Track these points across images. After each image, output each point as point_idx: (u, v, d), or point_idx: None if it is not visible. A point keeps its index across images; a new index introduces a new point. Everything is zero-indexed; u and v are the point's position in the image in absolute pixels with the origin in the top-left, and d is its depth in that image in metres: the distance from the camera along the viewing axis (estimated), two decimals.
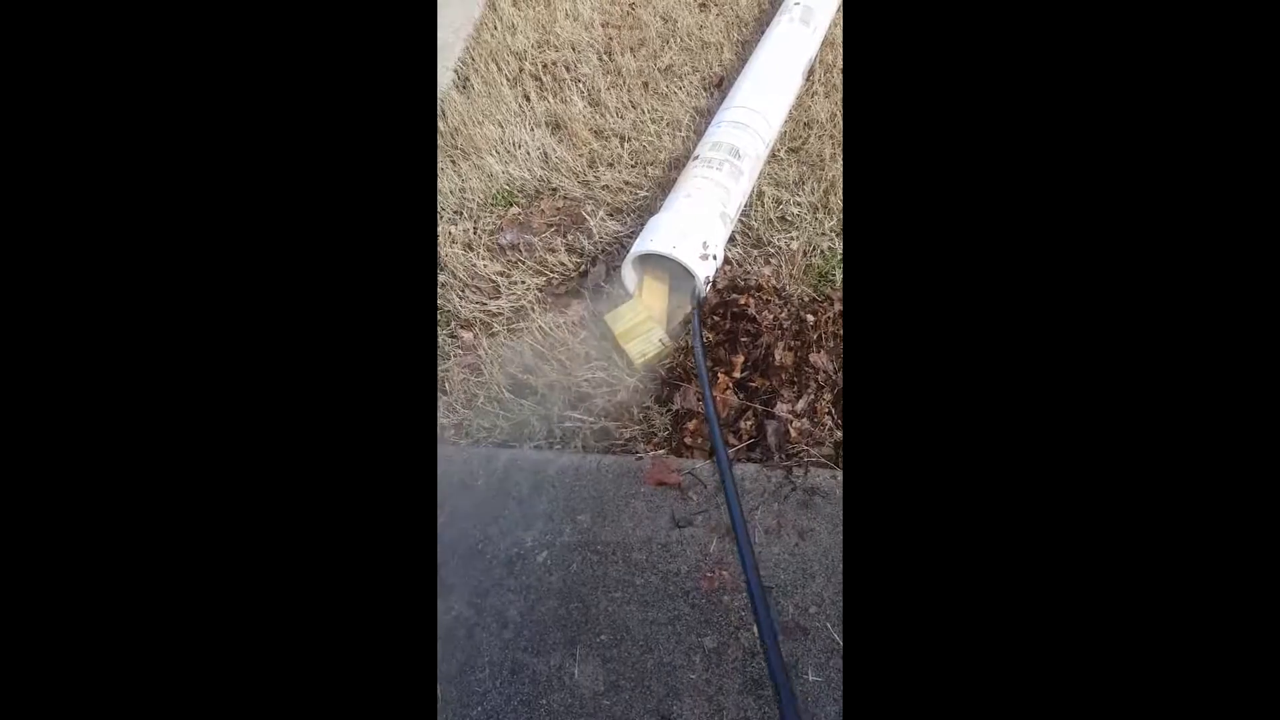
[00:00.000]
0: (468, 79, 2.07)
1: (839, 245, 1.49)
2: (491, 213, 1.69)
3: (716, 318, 1.36)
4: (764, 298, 1.36)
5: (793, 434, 1.17)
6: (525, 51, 2.12)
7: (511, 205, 1.71)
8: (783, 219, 1.56)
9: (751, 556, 0.90)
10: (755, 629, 0.72)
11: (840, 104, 1.80)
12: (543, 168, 1.77)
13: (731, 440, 1.20)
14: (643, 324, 1.32)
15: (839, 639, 0.96)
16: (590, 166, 1.76)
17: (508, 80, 2.02)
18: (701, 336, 1.28)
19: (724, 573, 1.04)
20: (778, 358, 1.25)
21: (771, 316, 1.32)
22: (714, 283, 1.40)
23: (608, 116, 1.87)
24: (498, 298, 1.50)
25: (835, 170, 1.62)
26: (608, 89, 1.94)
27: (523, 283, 1.52)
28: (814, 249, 1.49)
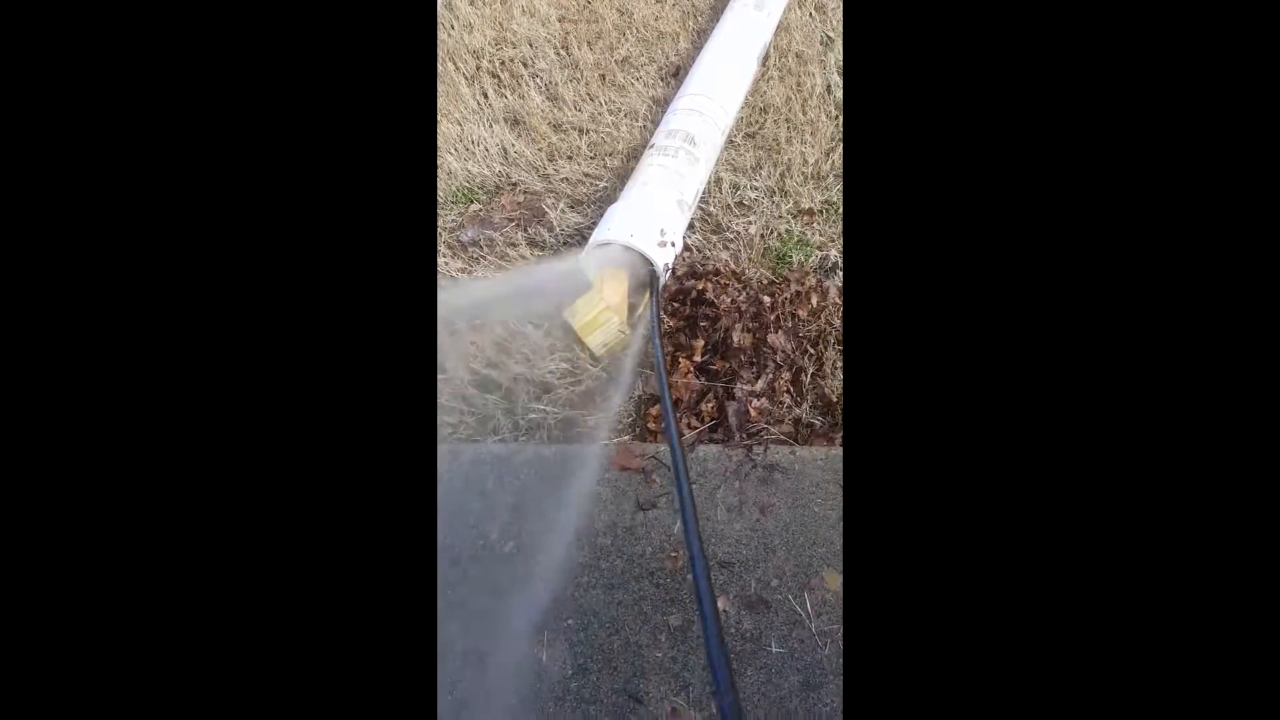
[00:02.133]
0: None
1: (796, 227, 1.50)
2: (452, 210, 1.69)
3: (676, 304, 1.38)
4: (722, 282, 1.37)
5: (752, 413, 1.19)
6: (482, 49, 2.12)
7: (472, 202, 1.71)
8: (740, 204, 1.58)
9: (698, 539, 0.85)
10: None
11: (795, 88, 1.81)
12: (502, 163, 1.77)
13: (694, 423, 1.21)
14: (601, 314, 1.33)
15: (800, 610, 0.98)
16: (549, 160, 1.76)
17: (465, 78, 2.02)
18: (659, 322, 1.29)
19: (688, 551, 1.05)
20: (736, 340, 1.26)
21: (730, 300, 1.33)
22: (673, 269, 1.41)
23: (565, 110, 1.87)
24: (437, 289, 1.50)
25: (791, 154, 1.64)
26: (565, 83, 1.95)
27: (484, 278, 1.52)
28: (771, 232, 1.50)
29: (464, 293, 1.49)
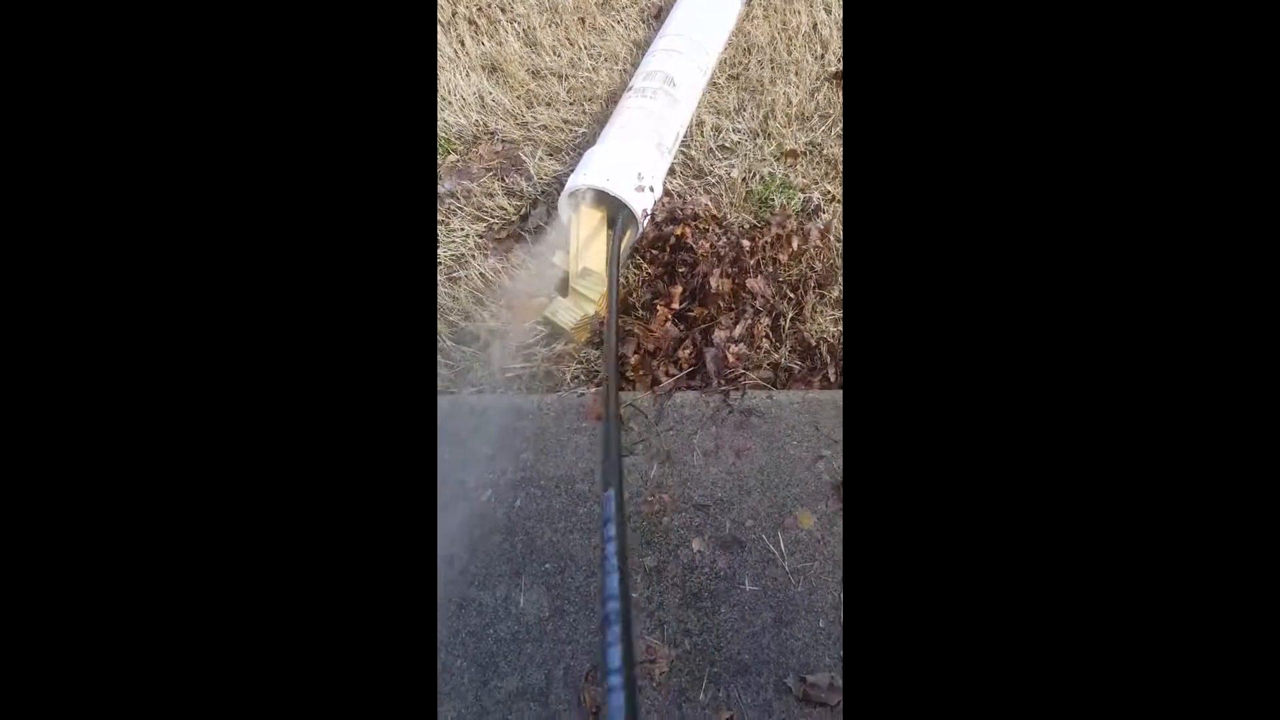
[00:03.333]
0: None
1: (779, 170, 1.47)
2: None
3: (654, 250, 1.35)
4: (701, 226, 1.34)
5: (730, 359, 1.18)
6: None
7: (449, 153, 1.67)
8: (722, 147, 1.54)
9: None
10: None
11: (780, 27, 1.75)
12: (479, 112, 1.72)
13: (671, 370, 1.20)
14: (585, 319, 1.28)
15: (773, 549, 0.98)
16: (528, 107, 1.71)
17: (441, 25, 1.95)
18: (617, 269, 1.24)
19: (664, 496, 1.06)
20: (714, 285, 1.24)
21: (708, 245, 1.30)
22: (652, 215, 1.38)
23: (544, 55, 1.81)
24: (437, 247, 1.48)
25: (774, 94, 1.59)
26: (543, 27, 1.88)
27: (461, 230, 1.49)
28: (754, 175, 1.46)
29: None
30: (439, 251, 1.47)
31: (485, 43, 1.88)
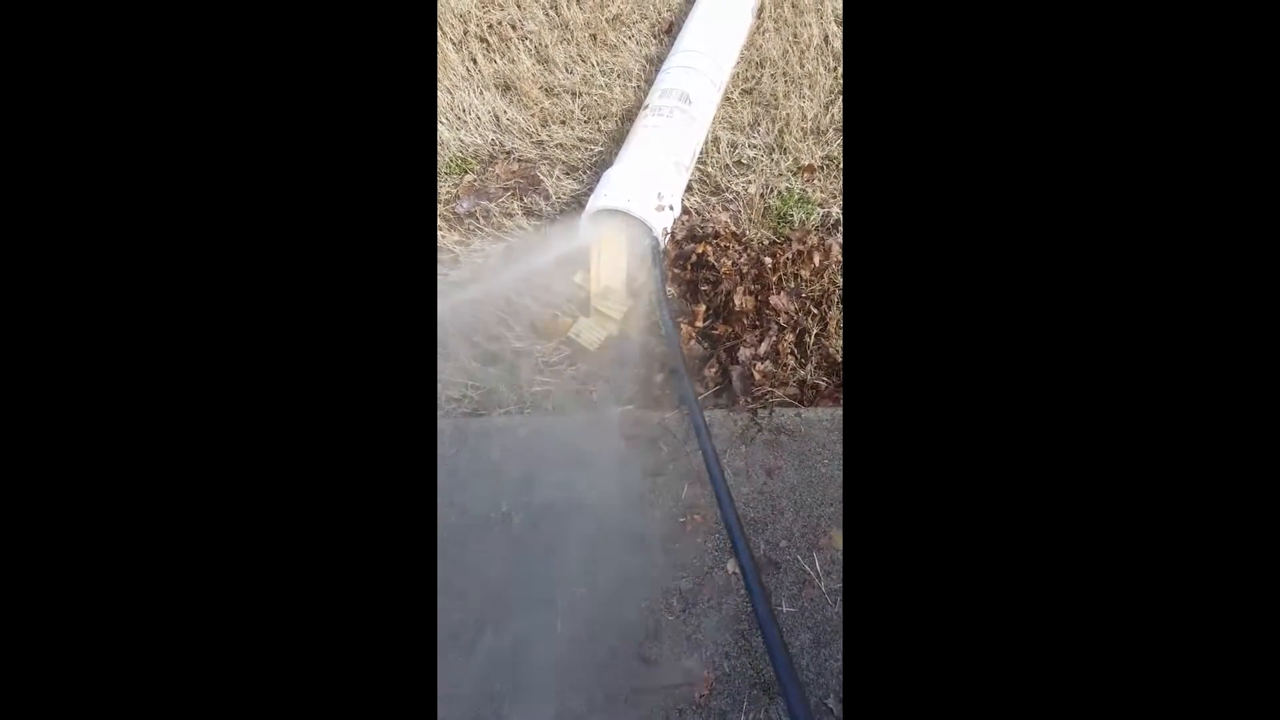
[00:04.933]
0: None
1: (796, 185, 1.47)
2: (446, 181, 1.66)
3: (676, 269, 1.36)
4: (722, 244, 1.35)
5: (757, 377, 1.18)
6: (469, 13, 2.06)
7: (466, 173, 1.68)
8: (739, 163, 1.54)
9: (727, 495, 0.90)
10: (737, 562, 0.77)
11: (792, 40, 1.76)
12: (495, 131, 1.73)
13: (698, 388, 1.21)
14: (607, 337, 1.30)
15: (809, 570, 0.98)
16: (543, 125, 1.72)
17: (453, 44, 1.96)
18: (665, 288, 1.27)
19: (696, 517, 1.06)
20: (738, 303, 1.25)
21: (730, 262, 1.31)
22: (672, 233, 1.39)
23: (557, 73, 1.83)
24: (458, 267, 1.49)
25: (789, 108, 1.60)
26: (555, 44, 1.89)
27: (482, 250, 1.50)
28: (771, 191, 1.47)
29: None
30: (460, 273, 1.47)
31: (497, 60, 1.89)
